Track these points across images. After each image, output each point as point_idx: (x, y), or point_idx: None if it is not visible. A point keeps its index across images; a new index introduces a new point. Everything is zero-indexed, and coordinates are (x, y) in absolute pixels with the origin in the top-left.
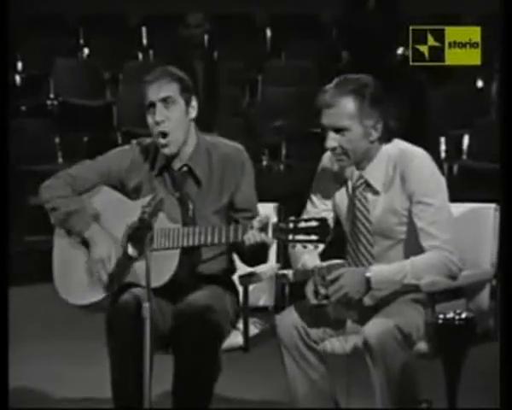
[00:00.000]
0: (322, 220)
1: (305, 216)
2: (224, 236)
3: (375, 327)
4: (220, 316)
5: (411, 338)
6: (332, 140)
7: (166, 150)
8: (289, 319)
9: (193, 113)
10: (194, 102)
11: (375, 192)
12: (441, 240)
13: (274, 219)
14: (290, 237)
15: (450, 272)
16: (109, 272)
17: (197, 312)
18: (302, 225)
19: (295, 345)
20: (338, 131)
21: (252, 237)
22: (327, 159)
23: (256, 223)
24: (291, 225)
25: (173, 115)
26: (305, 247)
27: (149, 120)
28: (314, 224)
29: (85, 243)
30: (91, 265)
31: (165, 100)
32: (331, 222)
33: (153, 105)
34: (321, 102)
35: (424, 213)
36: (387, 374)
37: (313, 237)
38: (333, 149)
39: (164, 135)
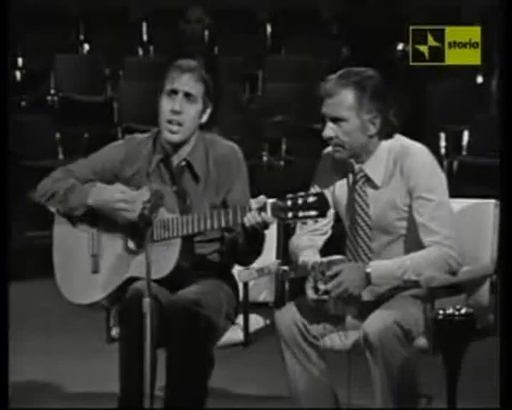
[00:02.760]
0: (320, 194)
1: (301, 193)
2: (223, 219)
3: (375, 323)
4: (210, 311)
5: (411, 334)
6: (329, 129)
7: (171, 137)
8: (289, 315)
9: (204, 118)
10: (209, 109)
11: (375, 187)
12: (441, 236)
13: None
14: (290, 214)
15: (451, 268)
16: (118, 255)
17: (183, 306)
18: (300, 201)
19: (295, 341)
20: (335, 121)
21: (252, 217)
22: (327, 154)
23: (254, 204)
24: (289, 203)
25: (190, 112)
26: (304, 223)
27: (166, 104)
28: (312, 199)
29: (87, 218)
30: (117, 209)
31: (188, 95)
32: (329, 196)
33: (175, 92)
34: (322, 91)
35: (424, 209)
36: (387, 370)
37: (312, 213)
38: (329, 139)
39: (175, 123)
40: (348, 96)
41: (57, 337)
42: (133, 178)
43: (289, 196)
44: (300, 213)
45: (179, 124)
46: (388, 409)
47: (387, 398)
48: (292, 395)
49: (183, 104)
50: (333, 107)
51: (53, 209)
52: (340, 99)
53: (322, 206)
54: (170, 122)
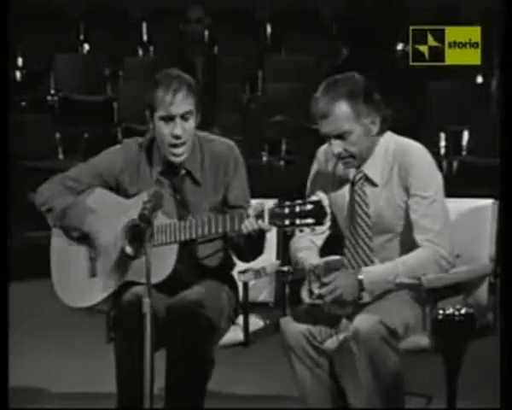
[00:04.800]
0: (317, 203)
1: (299, 200)
2: (220, 225)
3: (362, 323)
4: (212, 312)
5: (396, 331)
6: (336, 146)
7: (177, 159)
8: (294, 324)
9: (198, 120)
10: (200, 110)
11: (375, 186)
12: (433, 233)
13: (270, 205)
14: (287, 222)
15: (441, 268)
16: (116, 260)
17: (186, 307)
18: (297, 209)
19: (303, 349)
20: (340, 137)
21: (249, 224)
22: (321, 155)
23: (252, 211)
24: (286, 210)
25: (189, 127)
26: (301, 231)
27: (164, 129)
28: (309, 207)
29: (84, 239)
30: (97, 255)
31: (183, 115)
32: (326, 204)
33: (172, 118)
34: (316, 112)
35: (418, 206)
36: (372, 366)
37: (309, 221)
38: (339, 154)
39: (179, 146)
40: (343, 108)
41: (57, 337)
42: (135, 187)
43: (287, 203)
44: (298, 221)
45: (182, 144)
46: (385, 409)
47: (373, 397)
48: (301, 397)
49: (182, 126)
50: (332, 125)
51: (50, 222)
52: (336, 116)
53: (319, 214)
54: (173, 146)
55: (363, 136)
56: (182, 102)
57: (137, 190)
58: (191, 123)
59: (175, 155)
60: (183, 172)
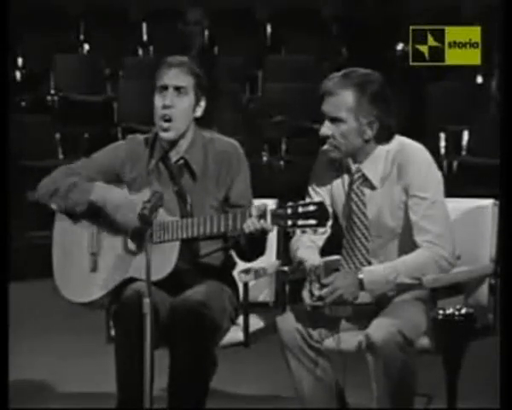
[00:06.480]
0: (320, 204)
1: (301, 201)
2: (222, 225)
3: (380, 331)
4: (215, 313)
5: (412, 341)
6: (326, 128)
7: (166, 135)
8: (290, 321)
9: (199, 112)
10: (202, 103)
11: (373, 187)
12: (433, 234)
13: (271, 205)
14: (289, 222)
15: (441, 269)
16: (117, 255)
17: (191, 307)
18: (300, 210)
19: (299, 347)
20: (333, 121)
21: (251, 224)
22: (324, 152)
23: (254, 210)
24: (289, 211)
25: (181, 105)
26: (304, 231)
27: (157, 101)
28: (312, 208)
29: (90, 214)
30: (117, 212)
31: (178, 88)
32: (327, 195)
33: (165, 88)
34: (324, 89)
35: (418, 207)
36: (387, 375)
37: (312, 222)
38: (326, 138)
39: (167, 120)
40: (348, 97)
41: (57, 337)
42: (134, 182)
43: (289, 203)
44: (300, 222)
45: (171, 119)
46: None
47: (384, 400)
48: (299, 397)
49: (173, 98)
50: (332, 106)
51: (54, 206)
52: (339, 99)
53: (321, 215)
54: (162, 118)
55: (354, 133)
56: (176, 75)
57: (136, 175)
58: (185, 102)
59: (163, 128)
60: (181, 161)
